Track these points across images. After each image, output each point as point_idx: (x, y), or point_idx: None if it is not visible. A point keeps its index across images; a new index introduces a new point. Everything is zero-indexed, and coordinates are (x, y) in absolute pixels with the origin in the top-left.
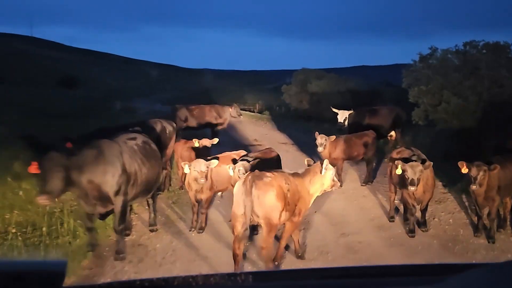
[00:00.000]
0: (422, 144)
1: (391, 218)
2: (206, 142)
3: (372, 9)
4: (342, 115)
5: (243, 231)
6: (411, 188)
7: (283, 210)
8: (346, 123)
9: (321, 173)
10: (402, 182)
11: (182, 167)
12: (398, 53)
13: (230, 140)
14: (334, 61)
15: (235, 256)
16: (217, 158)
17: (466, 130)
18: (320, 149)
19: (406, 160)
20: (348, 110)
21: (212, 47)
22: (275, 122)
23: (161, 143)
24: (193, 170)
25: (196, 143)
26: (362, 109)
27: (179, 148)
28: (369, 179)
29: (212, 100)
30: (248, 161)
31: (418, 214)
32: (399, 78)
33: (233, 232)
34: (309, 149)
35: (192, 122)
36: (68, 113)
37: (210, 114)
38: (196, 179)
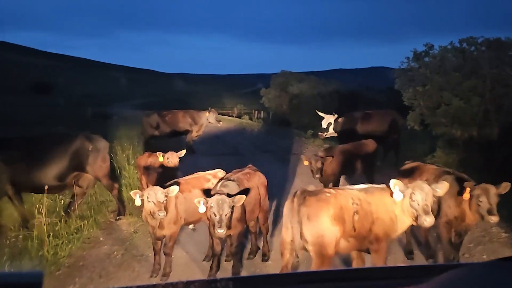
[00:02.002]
0: (416, 152)
1: (409, 255)
2: (173, 155)
3: (347, 13)
4: (326, 121)
5: (292, 261)
6: (494, 219)
7: (341, 237)
8: (330, 129)
9: (391, 196)
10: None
11: (143, 187)
12: (373, 56)
13: (206, 149)
14: (311, 65)
15: None
16: (178, 183)
17: (468, 136)
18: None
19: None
20: (332, 114)
21: (189, 52)
22: (254, 127)
23: (78, 163)
24: (147, 201)
25: (160, 157)
26: (354, 114)
27: (142, 163)
28: None
29: (189, 105)
30: (230, 195)
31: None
32: (375, 81)
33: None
34: (294, 158)
35: (165, 130)
36: (37, 120)
37: (184, 121)
38: (151, 213)
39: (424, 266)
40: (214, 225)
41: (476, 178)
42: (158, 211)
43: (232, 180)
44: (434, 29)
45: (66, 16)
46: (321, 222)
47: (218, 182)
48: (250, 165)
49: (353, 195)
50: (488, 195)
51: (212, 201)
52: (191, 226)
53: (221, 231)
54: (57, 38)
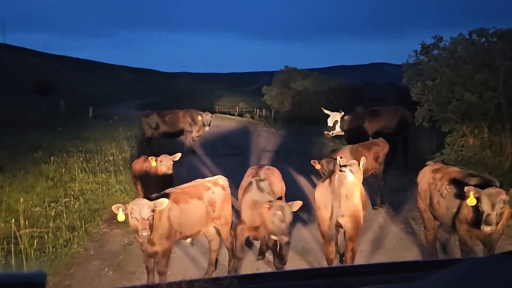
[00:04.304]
0: (421, 151)
1: None
2: (166, 158)
3: (347, 10)
4: (332, 118)
5: (331, 234)
6: (486, 228)
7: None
8: (336, 127)
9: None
10: (446, 212)
11: (139, 193)
12: (373, 52)
13: (207, 150)
14: (312, 62)
15: (329, 262)
16: (167, 196)
17: (479, 132)
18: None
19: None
20: (338, 112)
21: (190, 51)
22: (256, 125)
23: None
24: (130, 217)
25: (152, 161)
26: (361, 110)
27: (138, 168)
28: (382, 201)
29: (191, 103)
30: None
31: None
32: (376, 77)
33: (322, 237)
34: (297, 157)
35: (164, 130)
36: (38, 121)
37: (184, 120)
38: (136, 231)
39: (429, 261)
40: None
41: None
42: (141, 230)
43: (263, 180)
44: (435, 25)
45: (68, 17)
46: (355, 199)
47: (251, 183)
48: (264, 165)
49: (357, 177)
50: (490, 201)
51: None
52: (188, 240)
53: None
54: (59, 39)
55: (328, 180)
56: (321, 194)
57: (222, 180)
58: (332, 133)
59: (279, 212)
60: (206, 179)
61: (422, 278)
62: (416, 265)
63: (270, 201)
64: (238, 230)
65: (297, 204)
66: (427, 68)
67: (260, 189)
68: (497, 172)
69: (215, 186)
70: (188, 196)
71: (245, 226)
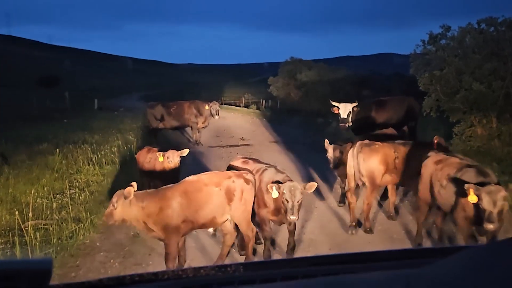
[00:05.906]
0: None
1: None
2: (173, 154)
3: (354, 0)
4: (345, 109)
5: (354, 187)
6: (489, 226)
7: (385, 173)
8: (350, 118)
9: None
10: (447, 202)
11: (145, 184)
12: (380, 42)
13: (213, 139)
14: (318, 53)
15: (350, 208)
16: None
17: (487, 122)
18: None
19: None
20: (351, 102)
21: (195, 42)
22: (262, 116)
23: None
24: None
25: (160, 157)
26: (368, 101)
27: (141, 159)
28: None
29: (197, 95)
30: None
31: None
32: (382, 67)
33: (348, 188)
34: (304, 147)
35: (169, 121)
36: (42, 113)
37: (189, 111)
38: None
39: (435, 248)
40: (286, 212)
41: (496, 168)
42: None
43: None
44: (443, 14)
45: (73, 9)
46: (371, 163)
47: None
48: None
49: (396, 147)
50: (492, 199)
51: (285, 187)
52: (210, 230)
53: (293, 218)
54: (65, 31)
55: (353, 146)
56: (349, 156)
57: (232, 173)
58: (347, 125)
59: (285, 191)
60: (218, 172)
61: (428, 265)
62: (422, 252)
63: (277, 181)
64: (262, 213)
65: (311, 186)
66: (434, 58)
67: (280, 171)
68: (505, 162)
69: (238, 178)
70: (202, 184)
71: (270, 210)
